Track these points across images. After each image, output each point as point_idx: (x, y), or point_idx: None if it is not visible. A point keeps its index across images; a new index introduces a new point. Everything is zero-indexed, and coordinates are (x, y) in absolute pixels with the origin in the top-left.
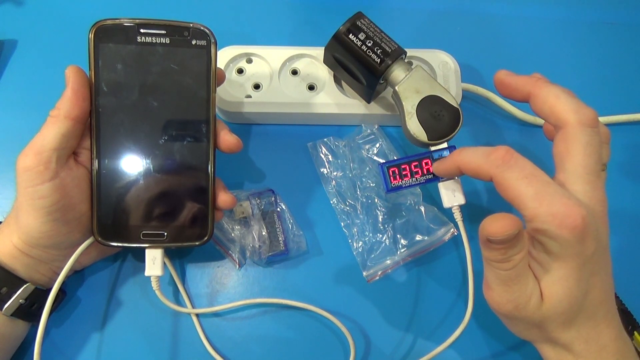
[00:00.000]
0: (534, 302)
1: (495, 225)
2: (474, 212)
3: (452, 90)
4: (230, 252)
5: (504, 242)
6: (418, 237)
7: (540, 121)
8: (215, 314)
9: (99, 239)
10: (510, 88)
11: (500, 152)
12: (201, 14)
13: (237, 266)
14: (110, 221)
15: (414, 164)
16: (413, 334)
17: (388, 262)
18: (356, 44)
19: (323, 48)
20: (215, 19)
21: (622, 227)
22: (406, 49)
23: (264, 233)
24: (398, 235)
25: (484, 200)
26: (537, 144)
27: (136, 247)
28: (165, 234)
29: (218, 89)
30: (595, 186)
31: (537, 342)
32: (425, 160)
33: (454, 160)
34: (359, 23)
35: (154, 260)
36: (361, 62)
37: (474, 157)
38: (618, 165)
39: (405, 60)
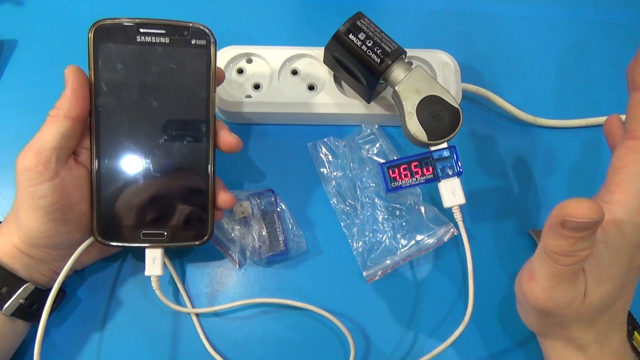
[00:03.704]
0: (576, 303)
1: (580, 206)
2: (474, 212)
3: (452, 90)
4: (230, 252)
5: (580, 229)
6: (418, 237)
7: (540, 121)
8: (215, 314)
9: (99, 238)
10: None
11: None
12: (201, 14)
13: (237, 266)
14: (110, 221)
15: (414, 164)
16: (413, 334)
17: (388, 262)
18: (356, 44)
19: (323, 48)
20: (215, 19)
21: None
22: (406, 49)
23: (264, 233)
24: (398, 235)
25: (484, 200)
26: (537, 144)
27: (136, 246)
28: (165, 233)
29: (218, 88)
30: None
31: (549, 337)
32: (425, 160)
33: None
34: (359, 23)
35: (154, 260)
36: (361, 62)
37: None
38: None
39: (405, 60)
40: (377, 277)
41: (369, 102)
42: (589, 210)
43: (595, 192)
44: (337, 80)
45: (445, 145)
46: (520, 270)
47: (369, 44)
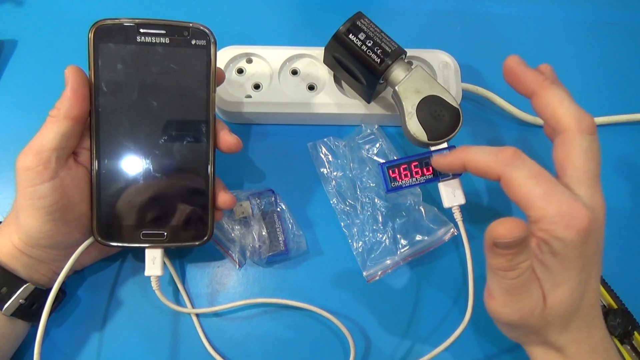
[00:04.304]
0: (538, 310)
1: (503, 227)
2: (474, 212)
3: (452, 90)
4: (230, 252)
5: (511, 247)
6: (418, 237)
7: (540, 121)
8: (215, 314)
9: (99, 239)
10: (517, 80)
11: (509, 152)
12: (201, 14)
13: (237, 266)
14: (110, 221)
15: (414, 164)
16: (413, 334)
17: (388, 262)
18: (356, 44)
19: (323, 48)
20: (215, 19)
21: (622, 227)
22: (406, 49)
23: (264, 233)
24: (398, 235)
25: (484, 200)
26: (537, 144)
27: (136, 247)
28: (165, 233)
29: (218, 88)
30: (595, 190)
31: (529, 344)
32: (425, 160)
33: (458, 156)
34: (359, 23)
35: (154, 260)
36: (361, 62)
37: (481, 155)
38: (617, 165)
39: (405, 60)
40: (377, 277)
41: (369, 102)
42: (510, 229)
43: None
44: (337, 80)
45: (445, 145)
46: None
47: (369, 44)
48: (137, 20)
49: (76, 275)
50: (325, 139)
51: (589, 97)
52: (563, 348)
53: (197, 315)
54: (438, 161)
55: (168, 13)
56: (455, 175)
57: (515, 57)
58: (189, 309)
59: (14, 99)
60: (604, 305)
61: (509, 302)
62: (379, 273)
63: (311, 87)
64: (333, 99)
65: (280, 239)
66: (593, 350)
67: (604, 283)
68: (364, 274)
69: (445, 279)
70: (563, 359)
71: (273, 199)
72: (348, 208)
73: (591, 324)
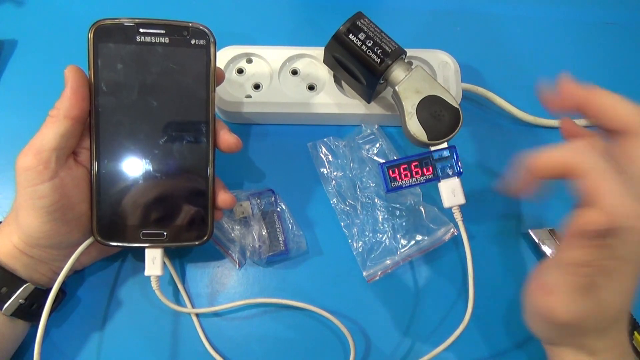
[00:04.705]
0: (595, 314)
1: (597, 214)
2: (474, 212)
3: (452, 90)
4: (230, 252)
5: (600, 236)
6: (418, 237)
7: (540, 121)
8: (215, 314)
9: (99, 238)
10: (563, 96)
11: (587, 143)
12: (201, 14)
13: (237, 266)
14: (110, 221)
15: (414, 164)
16: (413, 334)
17: (388, 262)
18: (356, 44)
19: (323, 48)
20: (215, 19)
21: None
22: (406, 49)
23: (264, 233)
24: (398, 235)
25: (484, 200)
26: (537, 144)
27: (136, 246)
28: (165, 233)
29: (218, 88)
30: None
31: (560, 346)
32: (425, 160)
33: (544, 157)
34: (359, 23)
35: (154, 260)
36: (361, 62)
37: (557, 151)
38: None
39: (405, 60)
40: (377, 277)
41: (369, 102)
42: (607, 217)
43: None
44: (337, 80)
45: (445, 145)
46: (529, 284)
47: (369, 44)
48: (136, 20)
49: (76, 275)
50: (325, 139)
51: None
52: (597, 352)
53: (197, 315)
54: (540, 161)
55: (168, 13)
56: (456, 175)
57: (545, 84)
58: (189, 309)
59: (14, 99)
60: None
61: (571, 301)
62: (379, 273)
63: (311, 87)
64: (333, 99)
65: (280, 239)
66: (622, 355)
67: None
68: (364, 274)
69: (445, 279)
70: None
71: (273, 199)
72: (348, 208)
73: (623, 330)
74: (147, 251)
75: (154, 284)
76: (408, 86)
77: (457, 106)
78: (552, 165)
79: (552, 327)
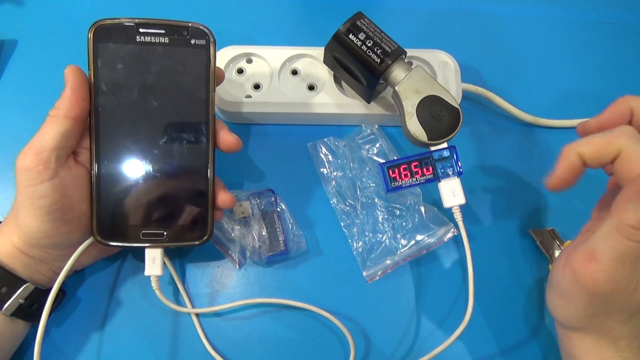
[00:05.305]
0: (631, 288)
1: None
2: (474, 212)
3: (452, 90)
4: (230, 252)
5: None
6: (418, 237)
7: (540, 121)
8: (215, 314)
9: (99, 238)
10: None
11: (628, 127)
12: (201, 14)
13: (237, 266)
14: (110, 221)
15: (414, 164)
16: (413, 334)
17: (388, 262)
18: (356, 44)
19: (323, 48)
20: (215, 19)
21: None
22: (406, 49)
23: (264, 233)
24: (398, 235)
25: (484, 200)
26: (537, 144)
27: (136, 246)
28: (165, 233)
29: (218, 88)
30: None
31: (581, 330)
32: (425, 160)
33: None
34: (359, 23)
35: (154, 260)
36: (361, 62)
37: (602, 136)
38: None
39: (405, 60)
40: (377, 277)
41: (369, 102)
42: None
43: (594, 191)
44: (337, 80)
45: (445, 145)
46: (566, 255)
47: (369, 44)
48: (136, 20)
49: (76, 275)
50: (325, 139)
51: (589, 97)
52: (618, 339)
53: (197, 315)
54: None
55: (168, 13)
56: (456, 175)
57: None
58: (189, 308)
59: (14, 99)
60: None
61: (614, 269)
62: (379, 273)
63: (311, 87)
64: (333, 99)
65: (280, 239)
66: (639, 347)
67: None
68: (364, 274)
69: (445, 279)
70: (614, 350)
71: (273, 199)
72: (348, 208)
73: None
74: (147, 251)
75: (154, 284)
76: (408, 86)
77: (457, 106)
78: (601, 150)
79: (583, 301)
